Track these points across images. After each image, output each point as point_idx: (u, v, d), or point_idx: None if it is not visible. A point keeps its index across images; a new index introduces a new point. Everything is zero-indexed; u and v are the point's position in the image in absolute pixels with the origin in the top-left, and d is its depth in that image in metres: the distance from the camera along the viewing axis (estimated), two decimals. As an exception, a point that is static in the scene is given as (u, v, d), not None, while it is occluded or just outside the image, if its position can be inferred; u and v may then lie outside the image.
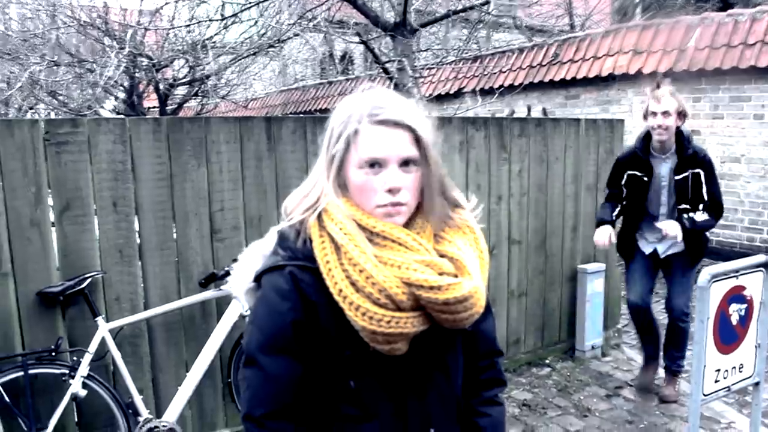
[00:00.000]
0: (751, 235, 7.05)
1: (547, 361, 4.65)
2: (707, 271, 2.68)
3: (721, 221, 7.25)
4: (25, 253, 2.83)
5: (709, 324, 2.70)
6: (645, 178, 3.74)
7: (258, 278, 1.33)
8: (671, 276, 3.91)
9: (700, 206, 3.62)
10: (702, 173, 3.61)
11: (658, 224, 3.68)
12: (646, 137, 3.73)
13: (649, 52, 7.61)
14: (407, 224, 1.29)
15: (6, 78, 9.03)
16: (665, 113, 3.53)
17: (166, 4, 8.54)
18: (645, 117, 3.66)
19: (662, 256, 3.87)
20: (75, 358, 2.90)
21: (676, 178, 3.65)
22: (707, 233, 3.81)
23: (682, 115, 3.58)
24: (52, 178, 2.87)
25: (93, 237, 2.98)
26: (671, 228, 3.59)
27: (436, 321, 1.26)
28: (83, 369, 2.85)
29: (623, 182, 3.86)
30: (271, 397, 1.29)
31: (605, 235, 3.80)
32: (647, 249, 3.93)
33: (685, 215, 3.62)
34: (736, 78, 6.93)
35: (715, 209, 3.65)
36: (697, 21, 7.38)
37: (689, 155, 3.61)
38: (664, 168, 3.72)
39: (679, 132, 3.62)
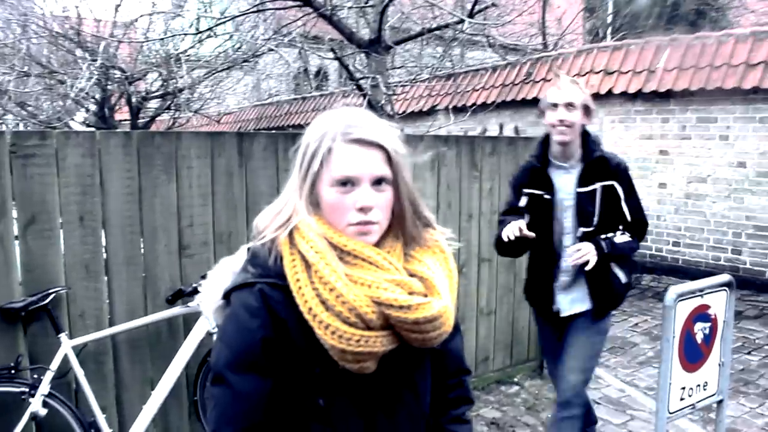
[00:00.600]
0: (716, 254, 7.18)
1: (516, 379, 4.66)
2: (673, 290, 2.73)
3: (687, 240, 7.51)
4: (-14, 267, 2.76)
5: (675, 342, 2.75)
6: (547, 196, 2.86)
7: (227, 295, 1.32)
8: (570, 341, 2.95)
9: (620, 227, 2.82)
10: (618, 186, 2.81)
11: (570, 249, 2.79)
12: (545, 142, 2.92)
13: (619, 73, 7.76)
14: (378, 243, 1.30)
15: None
16: (569, 105, 2.74)
17: (141, 16, 8.50)
18: (542, 113, 2.86)
19: (563, 315, 2.94)
20: (36, 376, 2.82)
21: (579, 190, 2.81)
22: (620, 278, 2.89)
23: (588, 111, 2.80)
24: (17, 191, 2.80)
25: (58, 251, 2.92)
26: (584, 251, 2.71)
27: (404, 340, 1.27)
28: (44, 387, 2.78)
29: (524, 206, 2.92)
30: (239, 416, 1.27)
31: (514, 227, 2.71)
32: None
33: (603, 237, 2.77)
34: (703, 99, 7.10)
35: (638, 228, 2.88)
36: (666, 42, 7.56)
37: (595, 159, 2.81)
38: (567, 181, 2.85)
39: (585, 133, 2.85)
